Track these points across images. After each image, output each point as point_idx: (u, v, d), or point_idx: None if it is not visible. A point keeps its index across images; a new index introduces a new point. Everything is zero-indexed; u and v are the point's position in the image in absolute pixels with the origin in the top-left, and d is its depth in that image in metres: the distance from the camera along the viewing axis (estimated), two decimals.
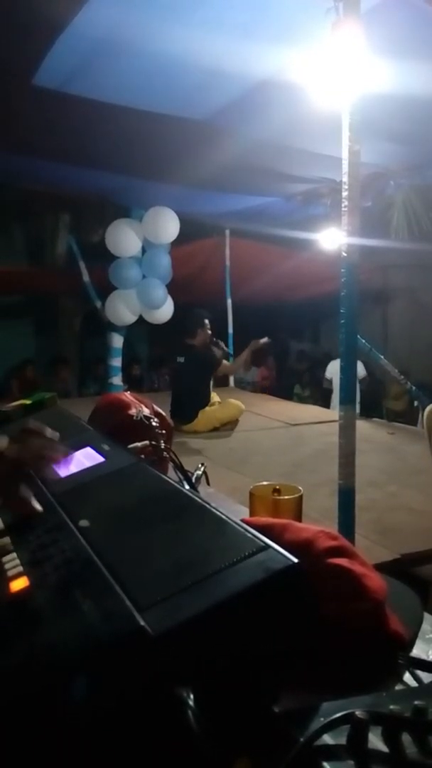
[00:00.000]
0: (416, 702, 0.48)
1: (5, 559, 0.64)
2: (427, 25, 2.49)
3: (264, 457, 3.62)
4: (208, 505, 0.67)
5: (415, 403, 5.13)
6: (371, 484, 2.93)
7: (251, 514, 1.10)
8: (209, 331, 4.65)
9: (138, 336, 8.26)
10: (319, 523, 0.82)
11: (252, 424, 4.61)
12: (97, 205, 6.23)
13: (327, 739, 0.47)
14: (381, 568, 0.95)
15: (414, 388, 5.13)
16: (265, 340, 4.79)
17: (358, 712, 0.47)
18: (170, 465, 1.24)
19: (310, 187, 4.78)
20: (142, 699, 0.46)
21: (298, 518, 1.08)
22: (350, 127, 2.00)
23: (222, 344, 4.82)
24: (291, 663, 0.54)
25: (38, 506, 0.74)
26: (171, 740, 0.46)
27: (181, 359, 4.66)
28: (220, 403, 4.61)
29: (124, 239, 5.35)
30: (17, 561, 0.63)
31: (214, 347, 4.73)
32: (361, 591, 0.68)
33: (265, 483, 1.17)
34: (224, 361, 4.84)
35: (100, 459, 0.93)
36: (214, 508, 0.66)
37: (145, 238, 5.41)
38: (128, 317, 5.62)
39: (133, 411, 1.46)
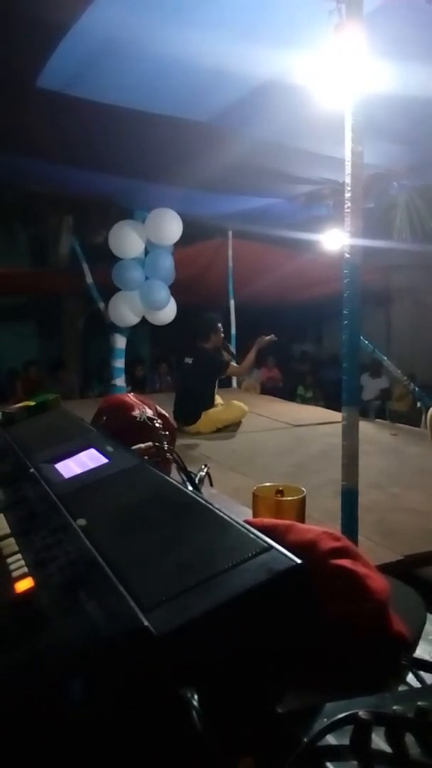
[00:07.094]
0: (419, 703, 0.48)
1: (11, 560, 0.64)
2: (430, 27, 2.49)
3: (267, 458, 3.61)
4: (211, 506, 0.67)
5: (418, 405, 5.12)
6: (374, 486, 2.92)
7: (254, 515, 1.10)
8: (222, 335, 4.67)
9: (141, 337, 8.26)
10: (322, 524, 0.82)
11: (255, 426, 4.60)
12: (101, 207, 6.24)
13: (330, 739, 0.47)
14: (384, 569, 0.95)
15: (417, 389, 5.11)
16: (270, 337, 4.69)
17: (361, 713, 0.47)
18: (173, 466, 1.24)
19: (313, 189, 4.77)
20: (146, 699, 0.46)
21: (301, 519, 1.08)
22: (353, 128, 2.00)
23: (231, 348, 4.81)
24: (294, 663, 0.54)
25: None
26: (175, 740, 0.46)
27: (189, 360, 4.64)
28: (223, 405, 4.60)
29: (127, 241, 5.36)
30: (22, 562, 0.63)
31: (224, 351, 4.74)
32: (364, 592, 0.68)
33: (268, 484, 1.17)
34: (232, 363, 4.83)
35: (104, 460, 0.94)
36: (217, 509, 0.66)
37: (148, 239, 5.41)
38: (131, 318, 5.62)
39: (136, 412, 1.46)
